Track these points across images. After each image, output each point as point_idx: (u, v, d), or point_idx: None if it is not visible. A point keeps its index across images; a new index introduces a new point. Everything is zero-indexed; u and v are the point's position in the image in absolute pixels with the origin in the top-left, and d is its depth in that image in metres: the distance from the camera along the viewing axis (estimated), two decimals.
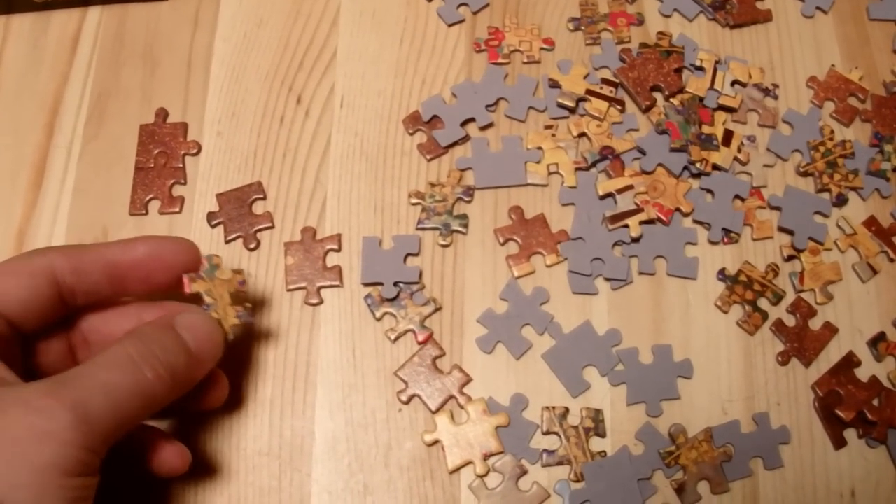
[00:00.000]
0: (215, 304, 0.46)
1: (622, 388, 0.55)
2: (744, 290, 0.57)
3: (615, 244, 0.57)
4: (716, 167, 0.59)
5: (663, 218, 0.58)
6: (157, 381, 0.41)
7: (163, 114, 0.62)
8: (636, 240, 0.58)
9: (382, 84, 0.62)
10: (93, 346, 0.47)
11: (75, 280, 0.44)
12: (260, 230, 0.59)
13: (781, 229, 0.59)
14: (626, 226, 0.57)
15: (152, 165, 0.61)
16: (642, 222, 0.58)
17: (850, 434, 0.56)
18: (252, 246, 0.58)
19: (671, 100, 0.60)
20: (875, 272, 0.59)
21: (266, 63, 0.62)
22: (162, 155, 0.61)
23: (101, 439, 0.38)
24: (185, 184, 0.60)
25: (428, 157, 0.60)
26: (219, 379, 0.49)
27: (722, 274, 0.57)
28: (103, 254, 0.45)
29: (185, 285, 0.46)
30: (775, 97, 0.62)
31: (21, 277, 0.43)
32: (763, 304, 0.57)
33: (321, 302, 0.57)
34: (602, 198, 0.58)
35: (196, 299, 0.46)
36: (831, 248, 0.59)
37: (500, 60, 0.61)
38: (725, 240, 0.58)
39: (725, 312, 0.57)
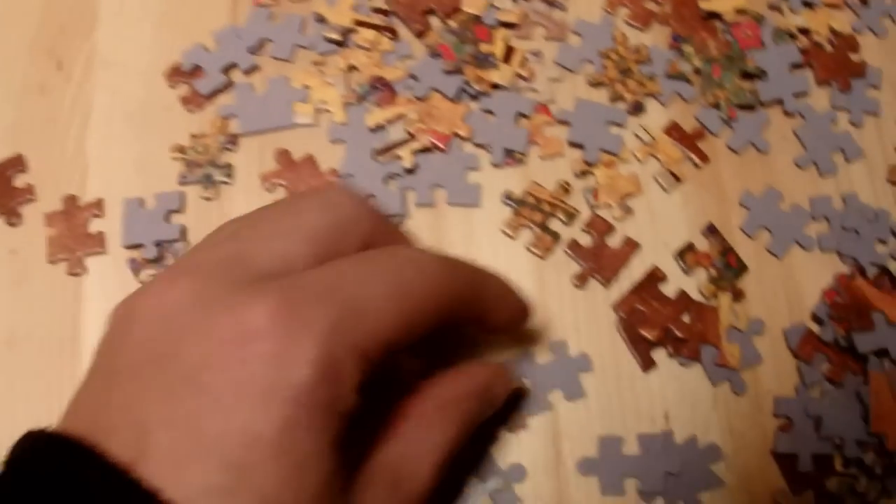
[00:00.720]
0: None
1: None
2: (531, 211, 0.48)
3: (389, 177, 0.49)
4: (496, 86, 0.50)
5: (439, 144, 0.50)
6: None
7: None
8: (410, 170, 0.49)
9: (145, 40, 0.53)
10: None
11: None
12: (21, 204, 0.52)
13: (572, 144, 0.49)
14: (400, 157, 0.50)
15: None
16: (417, 151, 0.50)
17: (660, 355, 0.48)
18: (14, 221, 0.51)
19: (447, 21, 0.53)
20: (679, 181, 0.50)
21: (26, 32, 0.53)
22: None
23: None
24: None
25: (190, 108, 0.51)
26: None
27: (507, 197, 0.49)
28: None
29: None
30: (563, 9, 0.53)
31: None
32: (555, 224, 0.47)
33: (85, 271, 0.49)
34: (373, 130, 0.49)
35: None
36: (629, 159, 0.51)
37: (264, 2, 0.54)
38: (509, 161, 0.50)
39: (513, 238, 0.48)
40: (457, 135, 0.49)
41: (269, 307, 0.27)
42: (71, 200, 0.50)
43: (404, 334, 0.30)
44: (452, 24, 0.52)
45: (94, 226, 0.50)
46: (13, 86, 0.53)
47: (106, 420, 0.27)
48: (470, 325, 0.37)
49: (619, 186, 0.49)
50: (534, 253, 0.48)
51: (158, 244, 0.48)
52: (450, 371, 0.37)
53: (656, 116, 0.51)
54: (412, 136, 0.49)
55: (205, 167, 0.50)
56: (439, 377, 0.36)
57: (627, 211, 0.49)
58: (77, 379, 0.46)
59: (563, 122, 0.50)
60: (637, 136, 0.50)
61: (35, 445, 0.27)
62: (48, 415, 0.29)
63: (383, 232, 0.35)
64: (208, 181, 0.49)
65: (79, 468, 0.26)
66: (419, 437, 0.34)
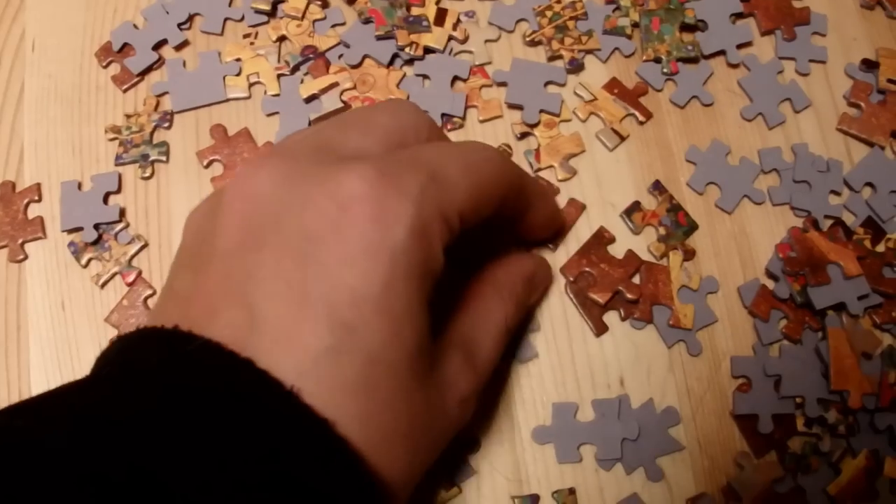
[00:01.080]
0: None
1: None
2: None
3: None
4: (428, 50, 0.46)
5: None
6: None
7: None
8: None
9: (74, 20, 0.49)
10: None
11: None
12: None
13: (511, 105, 0.46)
14: None
15: None
16: None
17: (612, 318, 0.45)
18: None
19: None
20: (623, 138, 0.47)
21: None
22: None
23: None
24: None
25: (122, 88, 0.48)
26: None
27: None
28: None
29: None
30: None
31: None
32: None
33: (26, 258, 0.45)
34: (307, 101, 0.46)
35: None
36: (570, 118, 0.48)
37: None
38: (448, 125, 0.47)
39: None
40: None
41: (366, 174, 0.27)
42: (8, 186, 0.47)
43: (476, 209, 0.31)
44: None
45: (33, 211, 0.47)
46: None
47: (205, 306, 0.27)
48: (513, 220, 0.38)
49: (561, 147, 0.46)
50: None
51: (97, 227, 0.46)
52: (502, 258, 0.39)
53: (596, 74, 0.48)
54: (347, 105, 0.46)
55: (140, 146, 0.47)
56: (494, 263, 0.38)
57: (571, 172, 0.46)
58: (23, 363, 0.45)
59: (501, 84, 0.47)
60: (577, 94, 0.47)
61: (138, 345, 0.27)
62: None
63: (439, 137, 0.36)
64: (145, 160, 0.47)
65: (186, 355, 0.25)
66: (483, 313, 0.35)
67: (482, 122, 0.46)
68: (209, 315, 0.27)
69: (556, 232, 0.43)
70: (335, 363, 0.25)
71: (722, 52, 0.47)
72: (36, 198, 0.46)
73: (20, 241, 0.46)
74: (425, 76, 0.46)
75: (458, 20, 0.47)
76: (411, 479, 0.29)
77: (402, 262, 0.27)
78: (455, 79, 0.46)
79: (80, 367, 0.44)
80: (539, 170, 0.45)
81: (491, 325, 0.35)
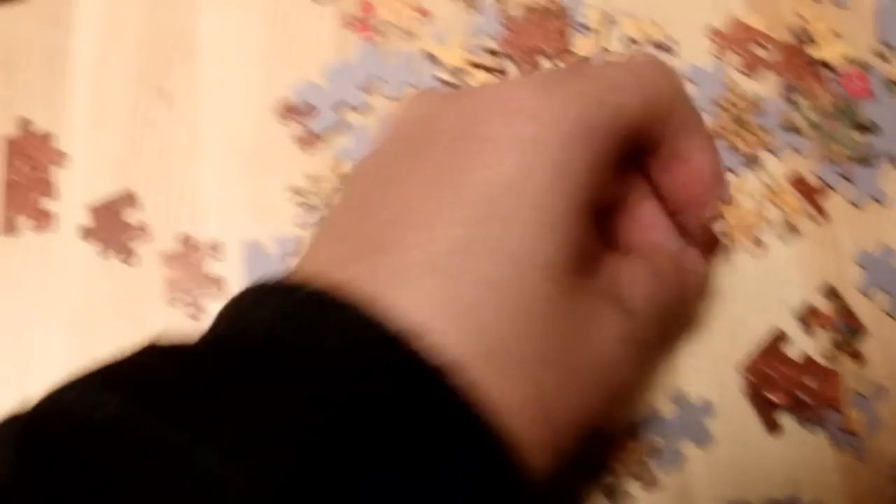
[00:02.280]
0: None
1: None
2: None
3: None
4: None
5: None
6: None
7: (25, 124, 0.51)
8: None
9: (250, 72, 0.48)
10: None
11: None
12: (135, 242, 0.47)
13: None
14: None
15: (17, 179, 0.50)
16: None
17: (783, 417, 0.44)
18: (128, 260, 0.48)
19: (556, 63, 0.49)
20: (796, 233, 0.47)
21: (130, 61, 0.49)
22: (27, 168, 0.50)
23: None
24: (54, 198, 0.49)
25: (304, 147, 0.47)
26: None
27: None
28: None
29: None
30: (674, 54, 0.49)
31: None
32: None
33: (205, 315, 0.45)
34: None
35: None
36: (748, 199, 0.47)
37: (373, 37, 0.50)
38: None
39: None
40: None
41: (530, 84, 0.26)
42: (187, 240, 0.46)
43: (648, 123, 0.28)
44: (561, 66, 0.47)
45: (212, 268, 0.46)
46: (121, 118, 0.49)
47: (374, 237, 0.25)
48: (671, 161, 0.32)
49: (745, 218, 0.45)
50: None
51: None
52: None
53: (771, 170, 0.47)
54: None
55: (323, 211, 0.46)
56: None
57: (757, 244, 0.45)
58: None
59: None
60: (764, 182, 0.46)
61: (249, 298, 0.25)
62: None
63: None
64: None
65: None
66: (638, 271, 0.30)
67: None
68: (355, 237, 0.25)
69: (712, 199, 0.33)
70: (468, 255, 0.23)
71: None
72: (215, 254, 0.45)
73: (199, 297, 0.45)
74: None
75: None
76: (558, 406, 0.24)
77: (562, 159, 0.25)
78: None
79: None
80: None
81: (643, 287, 0.30)
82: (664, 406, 0.42)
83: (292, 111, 0.47)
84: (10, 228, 0.47)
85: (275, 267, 0.44)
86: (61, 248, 0.46)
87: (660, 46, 0.49)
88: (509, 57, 0.47)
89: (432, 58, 0.47)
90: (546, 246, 0.24)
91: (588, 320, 0.26)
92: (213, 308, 0.45)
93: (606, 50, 0.47)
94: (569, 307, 0.25)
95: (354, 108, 0.47)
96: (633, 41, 0.48)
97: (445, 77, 0.47)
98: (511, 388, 0.22)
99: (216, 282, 0.45)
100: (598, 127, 0.26)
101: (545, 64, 0.47)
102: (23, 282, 0.46)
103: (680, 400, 0.43)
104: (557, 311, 0.24)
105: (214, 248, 0.45)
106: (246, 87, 0.48)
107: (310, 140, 0.46)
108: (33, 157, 0.48)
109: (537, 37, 0.47)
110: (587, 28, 0.47)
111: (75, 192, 0.47)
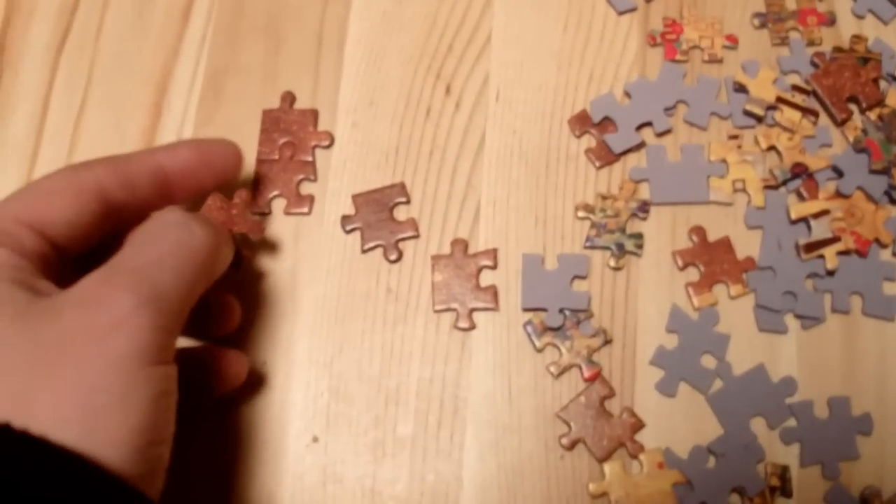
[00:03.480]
0: None
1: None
2: None
3: (808, 276, 0.43)
4: None
5: (860, 249, 0.44)
6: (204, 234, 0.32)
7: (289, 98, 0.45)
8: (831, 273, 0.43)
9: (543, 76, 0.44)
10: None
11: (125, 195, 0.34)
12: (403, 239, 0.42)
13: None
14: (822, 257, 0.43)
15: (276, 158, 0.44)
16: (838, 253, 0.44)
17: None
18: (393, 257, 0.42)
19: (867, 113, 0.46)
20: None
21: (409, 45, 0.45)
22: (288, 146, 0.44)
23: (172, 315, 0.29)
24: (314, 181, 0.43)
25: (597, 164, 0.43)
26: (230, 302, 0.38)
27: None
28: (149, 162, 0.35)
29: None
30: None
31: (67, 197, 0.32)
32: None
33: (473, 326, 0.41)
34: (794, 222, 0.43)
35: None
36: None
37: (677, 57, 0.46)
38: None
39: None
40: (877, 240, 0.42)
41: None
42: (460, 245, 0.42)
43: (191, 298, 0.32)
44: (872, 116, 0.44)
45: (486, 278, 0.42)
46: (396, 105, 0.44)
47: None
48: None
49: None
50: None
51: (562, 311, 0.41)
52: None
53: None
54: (836, 237, 0.42)
55: (615, 233, 0.42)
56: None
57: None
58: (456, 443, 0.40)
59: None
60: None
61: None
62: None
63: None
64: (619, 249, 0.42)
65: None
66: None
67: None
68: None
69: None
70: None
71: None
72: (490, 264, 0.41)
73: (470, 307, 0.40)
74: None
75: None
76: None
77: (126, 368, 0.27)
78: None
79: (518, 458, 0.40)
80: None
81: None
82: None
83: (587, 123, 0.43)
84: (263, 208, 0.43)
85: (552, 283, 0.41)
86: (318, 237, 0.43)
87: None
88: (817, 97, 0.44)
89: (741, 88, 0.43)
90: None
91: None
92: (481, 319, 0.41)
93: None
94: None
95: (655, 130, 0.43)
96: None
97: (756, 111, 0.43)
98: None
99: (489, 292, 0.42)
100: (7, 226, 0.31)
101: (855, 112, 0.44)
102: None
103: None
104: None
105: (488, 255, 0.41)
106: (537, 93, 0.44)
107: (604, 156, 0.42)
108: (295, 134, 0.43)
109: (850, 82, 0.43)
110: None
111: (339, 178, 0.43)
